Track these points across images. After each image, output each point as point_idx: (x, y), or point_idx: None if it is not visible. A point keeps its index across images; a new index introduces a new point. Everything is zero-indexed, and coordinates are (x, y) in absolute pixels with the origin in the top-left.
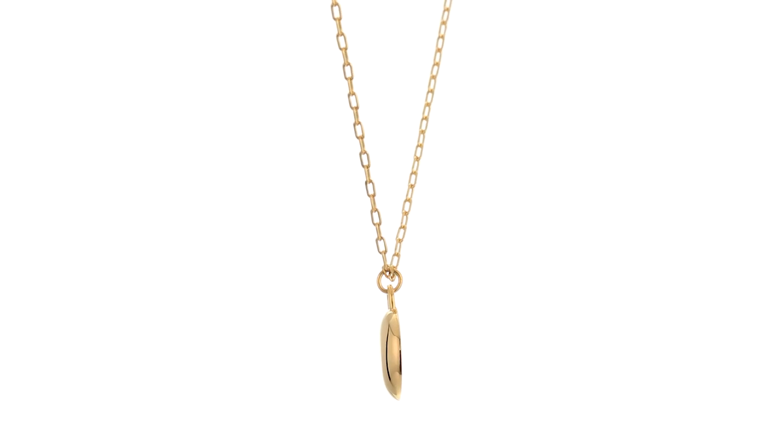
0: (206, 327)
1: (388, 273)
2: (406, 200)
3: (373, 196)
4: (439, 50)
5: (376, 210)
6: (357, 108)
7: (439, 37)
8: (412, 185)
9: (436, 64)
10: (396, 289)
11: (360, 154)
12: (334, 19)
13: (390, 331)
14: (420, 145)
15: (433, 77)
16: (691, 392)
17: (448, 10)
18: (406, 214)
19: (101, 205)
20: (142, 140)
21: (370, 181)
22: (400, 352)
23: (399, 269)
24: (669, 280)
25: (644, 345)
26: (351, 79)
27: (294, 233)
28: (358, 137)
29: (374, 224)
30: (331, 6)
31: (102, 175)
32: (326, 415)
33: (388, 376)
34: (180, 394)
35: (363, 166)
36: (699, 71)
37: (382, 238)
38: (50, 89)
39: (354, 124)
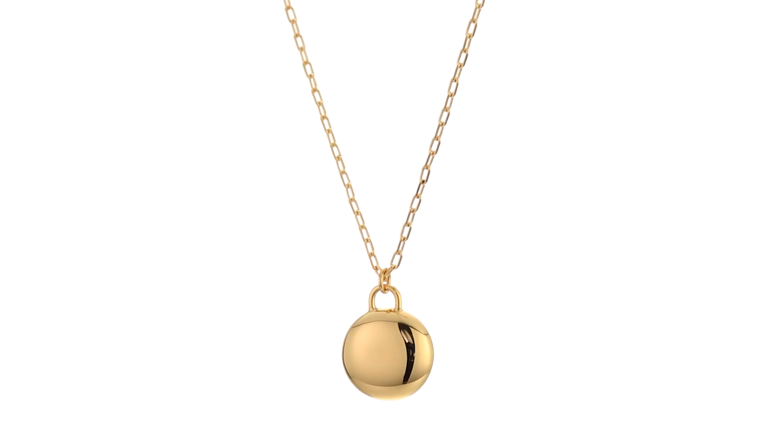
0: (193, 329)
1: (387, 270)
2: (405, 225)
3: (365, 234)
4: (464, 51)
5: (373, 255)
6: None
7: (467, 40)
8: (413, 210)
9: (460, 66)
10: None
11: (350, 201)
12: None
13: (421, 331)
14: (427, 167)
15: (454, 81)
16: (721, 391)
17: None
18: (404, 239)
19: (87, 204)
20: (117, 143)
21: (364, 226)
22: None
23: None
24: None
25: (644, 345)
26: (311, 75)
27: (287, 237)
28: (345, 185)
29: (369, 253)
30: (286, 9)
31: (88, 175)
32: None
33: (381, 382)
34: (172, 394)
35: (354, 212)
36: (711, 72)
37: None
38: (37, 90)
39: (339, 167)
